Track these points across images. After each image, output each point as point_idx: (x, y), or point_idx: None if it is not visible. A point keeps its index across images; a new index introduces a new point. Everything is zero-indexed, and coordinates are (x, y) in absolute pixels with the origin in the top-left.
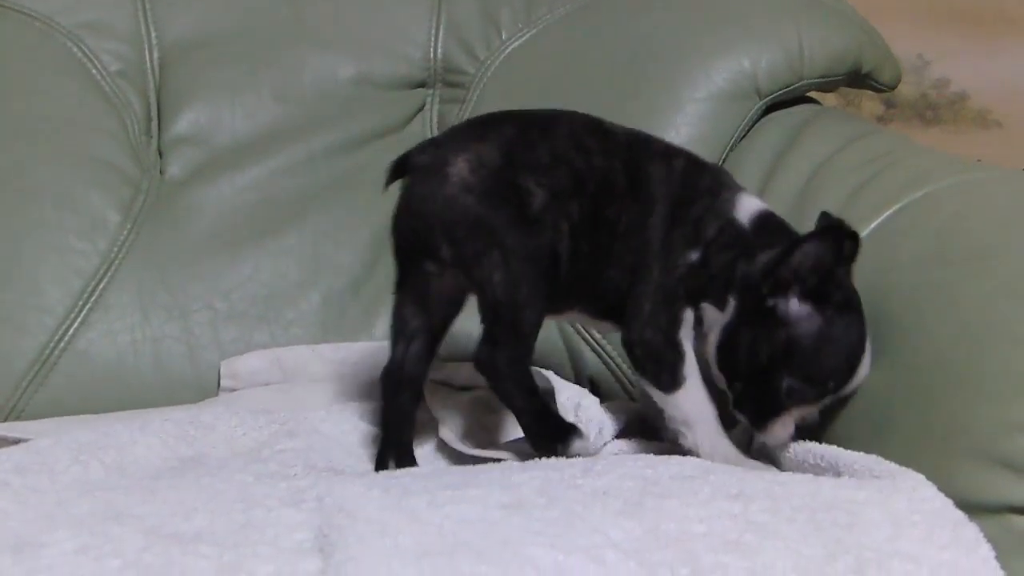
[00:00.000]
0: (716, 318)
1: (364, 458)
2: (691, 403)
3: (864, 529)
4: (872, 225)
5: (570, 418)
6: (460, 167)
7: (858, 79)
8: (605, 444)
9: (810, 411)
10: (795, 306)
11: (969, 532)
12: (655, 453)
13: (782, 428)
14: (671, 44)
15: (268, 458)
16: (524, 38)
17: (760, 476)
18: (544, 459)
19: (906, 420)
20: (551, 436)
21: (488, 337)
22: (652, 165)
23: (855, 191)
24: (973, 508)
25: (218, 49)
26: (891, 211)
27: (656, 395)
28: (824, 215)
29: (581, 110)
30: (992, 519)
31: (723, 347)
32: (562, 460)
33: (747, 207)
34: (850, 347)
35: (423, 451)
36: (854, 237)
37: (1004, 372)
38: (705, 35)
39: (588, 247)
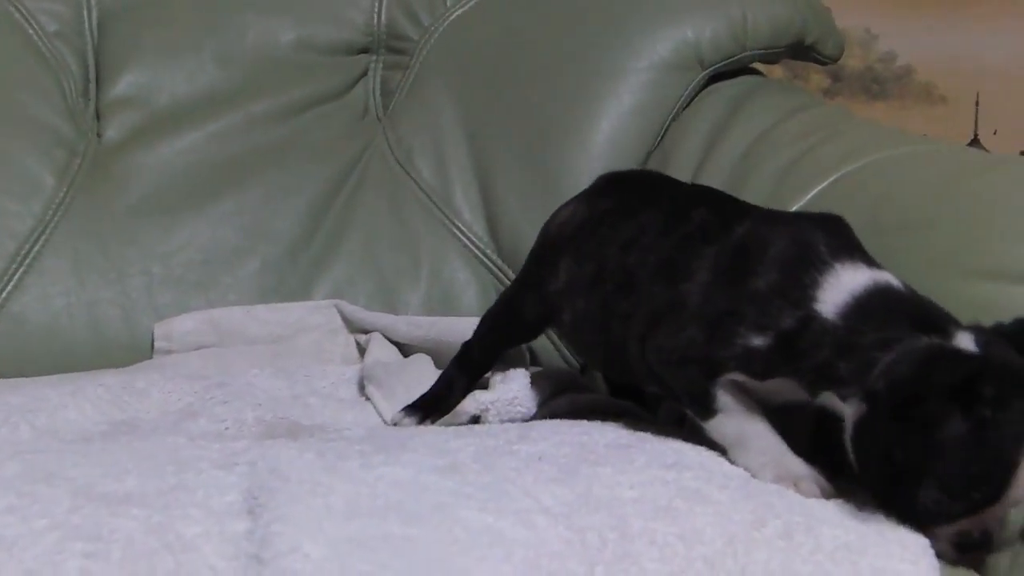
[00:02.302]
0: (839, 406)
1: (294, 413)
2: (727, 428)
3: (795, 498)
4: (808, 195)
5: (495, 384)
6: (558, 215)
7: (801, 51)
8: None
9: (956, 528)
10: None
11: None
12: (584, 417)
13: (936, 544)
14: (615, 13)
15: (199, 411)
16: (469, 5)
17: (697, 450)
18: (479, 425)
19: None
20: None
21: None
22: (700, 259)
23: (793, 162)
24: None
25: (158, 11)
26: (828, 182)
27: (696, 421)
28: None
29: (523, 78)
30: None
31: (857, 443)
32: (497, 426)
33: (838, 293)
34: (1003, 451)
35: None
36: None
37: None
38: (649, 4)
39: (608, 338)
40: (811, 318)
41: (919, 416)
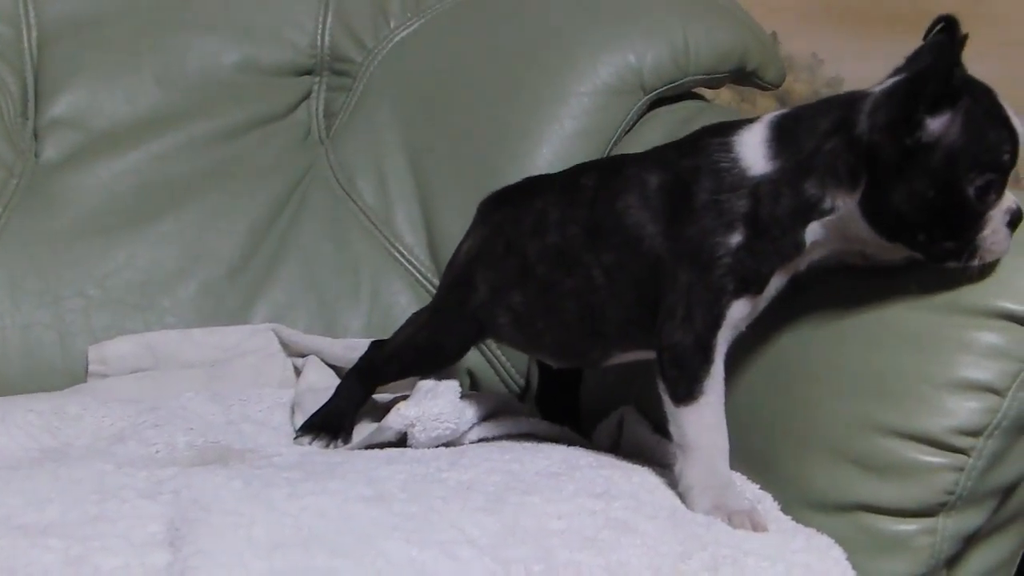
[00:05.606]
0: (840, 209)
1: (227, 437)
2: (698, 425)
3: (722, 529)
4: None
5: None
6: (458, 250)
7: (743, 77)
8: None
9: (1007, 198)
10: (933, 125)
11: (822, 540)
12: (516, 439)
13: (994, 235)
14: (558, 37)
15: (129, 436)
16: (412, 27)
17: (628, 478)
18: (411, 451)
19: (766, 417)
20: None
21: None
22: (623, 197)
23: None
24: (828, 507)
25: (99, 31)
26: None
27: (667, 406)
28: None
29: (466, 102)
30: (845, 517)
31: (888, 203)
32: (429, 452)
33: (752, 155)
34: (998, 114)
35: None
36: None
37: (857, 370)
38: (592, 29)
39: (562, 317)
40: (757, 186)
41: (924, 143)
